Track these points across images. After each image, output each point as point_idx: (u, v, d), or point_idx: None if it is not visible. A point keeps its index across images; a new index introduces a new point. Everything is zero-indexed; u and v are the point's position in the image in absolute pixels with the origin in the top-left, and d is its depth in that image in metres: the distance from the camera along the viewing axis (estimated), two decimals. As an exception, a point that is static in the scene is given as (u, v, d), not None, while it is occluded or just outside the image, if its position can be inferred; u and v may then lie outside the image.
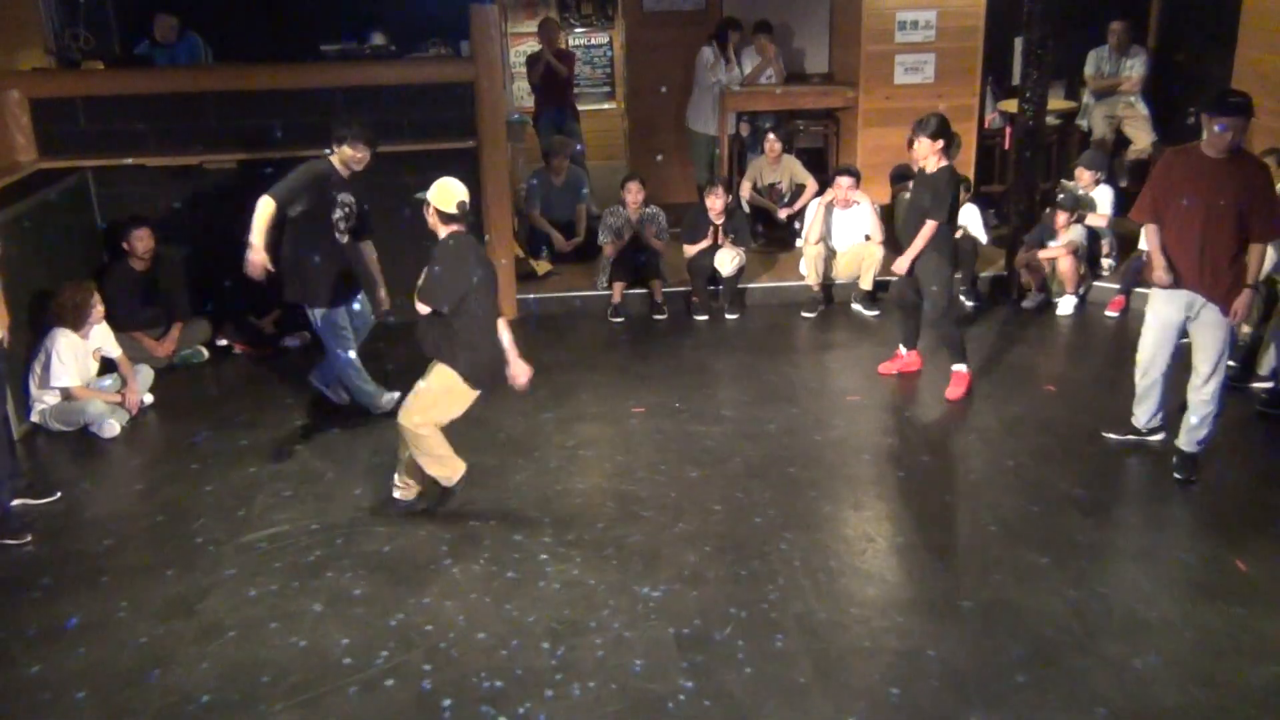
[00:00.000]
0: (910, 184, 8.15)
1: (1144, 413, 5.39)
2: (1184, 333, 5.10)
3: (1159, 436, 5.43)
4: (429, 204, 4.70)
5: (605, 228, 7.75)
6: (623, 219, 7.71)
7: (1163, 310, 5.05)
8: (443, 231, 4.73)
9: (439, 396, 4.77)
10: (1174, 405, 5.28)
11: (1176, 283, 4.93)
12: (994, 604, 4.25)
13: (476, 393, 4.82)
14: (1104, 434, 5.54)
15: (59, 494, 5.23)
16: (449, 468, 4.89)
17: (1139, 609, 4.20)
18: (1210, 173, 4.77)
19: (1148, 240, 5.12)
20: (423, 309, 4.68)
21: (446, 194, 4.67)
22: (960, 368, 6.17)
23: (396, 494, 5.00)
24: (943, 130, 5.87)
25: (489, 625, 4.18)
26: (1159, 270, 4.97)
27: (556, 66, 9.24)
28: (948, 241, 6.04)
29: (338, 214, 5.64)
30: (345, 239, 5.74)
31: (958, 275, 7.47)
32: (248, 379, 6.69)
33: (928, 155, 5.91)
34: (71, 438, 5.89)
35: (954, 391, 6.14)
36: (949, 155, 6.01)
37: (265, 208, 5.34)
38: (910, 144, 6.09)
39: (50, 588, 4.50)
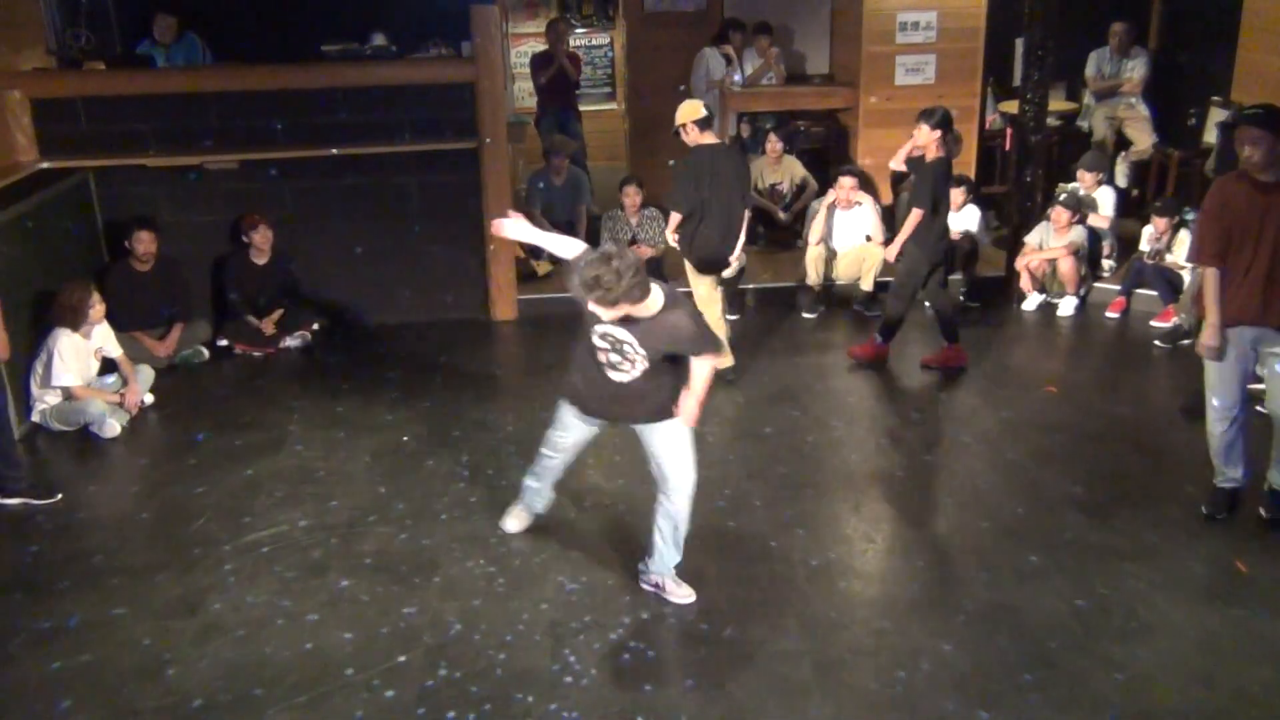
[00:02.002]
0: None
1: (1234, 467, 4.78)
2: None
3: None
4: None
5: (606, 232, 7.75)
6: (622, 222, 7.72)
7: (1230, 349, 4.59)
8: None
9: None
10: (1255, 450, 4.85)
11: (1237, 320, 4.53)
12: (994, 605, 4.25)
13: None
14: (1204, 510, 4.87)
15: (59, 494, 5.23)
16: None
17: (1139, 609, 4.20)
18: (1269, 197, 4.38)
19: (1206, 289, 4.56)
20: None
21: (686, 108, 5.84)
22: (878, 338, 6.51)
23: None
24: (945, 122, 6.02)
25: (489, 625, 4.18)
26: (1211, 333, 4.52)
27: (568, 69, 9.23)
28: (926, 229, 6.14)
29: None
30: None
31: (957, 276, 7.50)
32: (248, 379, 6.69)
33: (926, 143, 6.03)
34: (72, 438, 5.89)
35: (859, 350, 6.58)
36: (948, 150, 6.13)
37: None
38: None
39: (50, 588, 4.50)
